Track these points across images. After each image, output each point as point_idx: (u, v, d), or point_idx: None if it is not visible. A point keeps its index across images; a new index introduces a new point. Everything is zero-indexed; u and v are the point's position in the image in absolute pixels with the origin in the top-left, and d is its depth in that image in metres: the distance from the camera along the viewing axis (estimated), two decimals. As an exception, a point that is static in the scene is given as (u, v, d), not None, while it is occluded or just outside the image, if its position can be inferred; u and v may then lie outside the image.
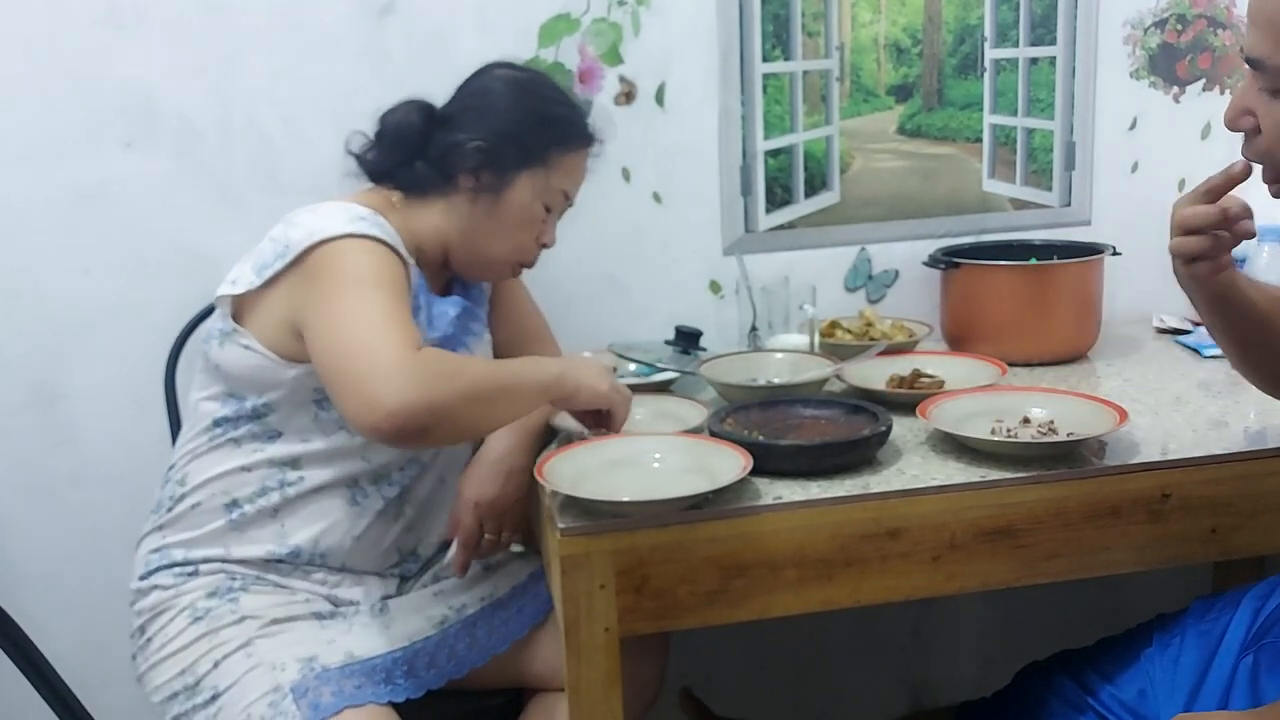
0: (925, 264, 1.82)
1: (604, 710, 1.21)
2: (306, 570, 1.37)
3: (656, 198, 1.84)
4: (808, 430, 1.37)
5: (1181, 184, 1.99)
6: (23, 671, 1.17)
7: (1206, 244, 1.10)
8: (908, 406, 1.44)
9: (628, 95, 1.80)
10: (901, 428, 1.39)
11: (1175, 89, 1.97)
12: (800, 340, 1.73)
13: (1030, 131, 1.95)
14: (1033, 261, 1.76)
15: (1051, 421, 1.36)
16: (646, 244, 1.85)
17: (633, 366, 1.63)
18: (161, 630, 1.32)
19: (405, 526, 1.42)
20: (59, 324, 1.72)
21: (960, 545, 1.24)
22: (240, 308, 1.32)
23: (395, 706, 1.29)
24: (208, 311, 1.62)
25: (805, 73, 1.86)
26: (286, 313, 1.27)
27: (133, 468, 1.72)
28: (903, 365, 1.59)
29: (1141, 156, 1.98)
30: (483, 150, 1.36)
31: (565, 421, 1.44)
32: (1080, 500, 1.26)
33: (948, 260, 1.77)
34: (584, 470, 1.27)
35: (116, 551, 1.51)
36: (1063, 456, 1.29)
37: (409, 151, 1.40)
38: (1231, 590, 1.30)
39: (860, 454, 1.30)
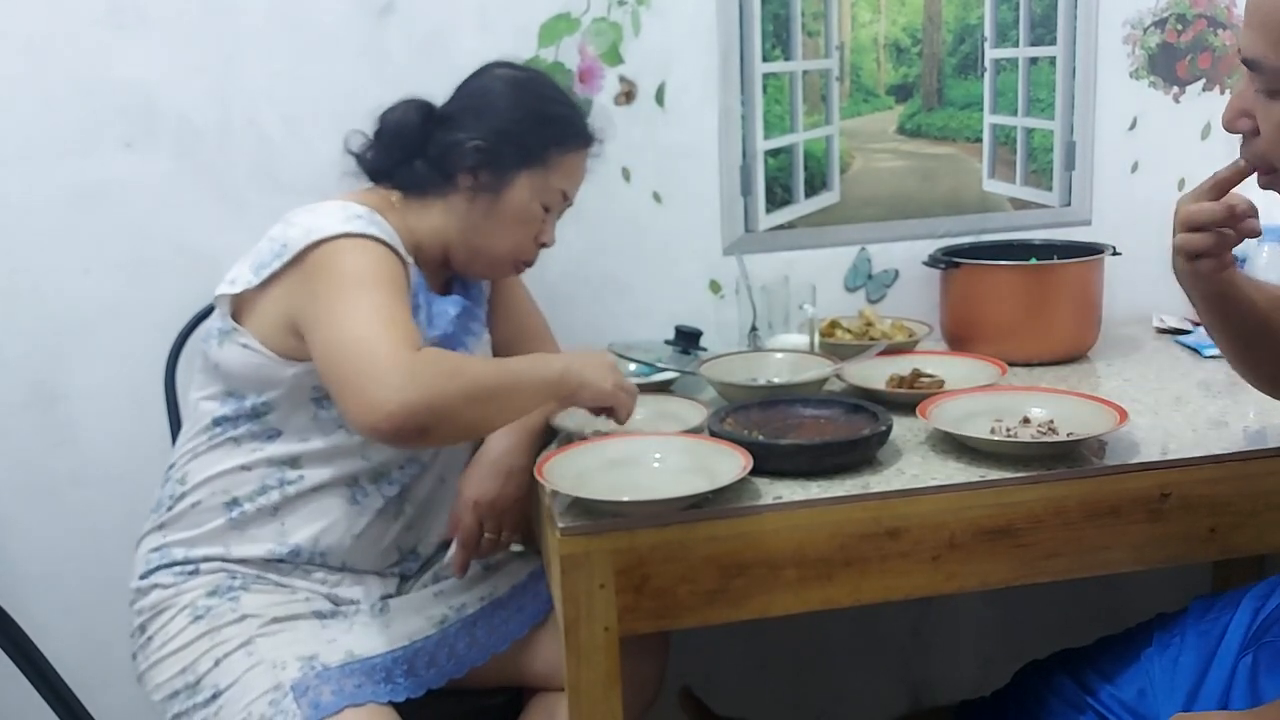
0: (925, 264, 1.82)
1: (604, 709, 1.21)
2: (307, 569, 1.37)
3: (656, 198, 1.84)
4: (808, 430, 1.37)
5: (1181, 184, 1.98)
6: (23, 671, 1.17)
7: (1211, 241, 1.10)
8: (908, 406, 1.44)
9: (628, 95, 1.80)
10: (901, 427, 1.39)
11: (1175, 89, 1.97)
12: (800, 340, 1.73)
13: (1030, 131, 1.95)
14: (1033, 261, 1.76)
15: (1051, 421, 1.36)
16: (646, 244, 1.85)
17: (633, 366, 1.63)
18: (162, 629, 1.32)
19: (405, 525, 1.42)
20: (59, 324, 1.72)
21: (960, 545, 1.24)
22: (239, 307, 1.32)
23: (395, 706, 1.29)
24: (208, 311, 1.62)
25: (805, 72, 1.86)
26: (285, 312, 1.27)
27: (133, 468, 1.72)
28: (903, 365, 1.59)
29: (1141, 156, 1.98)
30: (481, 150, 1.36)
31: (565, 421, 1.44)
32: (1080, 500, 1.26)
33: (948, 260, 1.77)
34: (584, 470, 1.27)
35: (116, 551, 1.51)
36: (1062, 456, 1.29)
37: (408, 151, 1.40)
38: (1231, 590, 1.30)
39: (860, 454, 1.30)
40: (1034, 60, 1.93)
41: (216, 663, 1.28)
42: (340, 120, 1.47)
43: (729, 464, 1.24)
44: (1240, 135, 1.04)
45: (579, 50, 1.77)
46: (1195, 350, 1.76)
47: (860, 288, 1.95)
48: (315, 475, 1.34)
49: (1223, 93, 1.98)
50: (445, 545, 1.47)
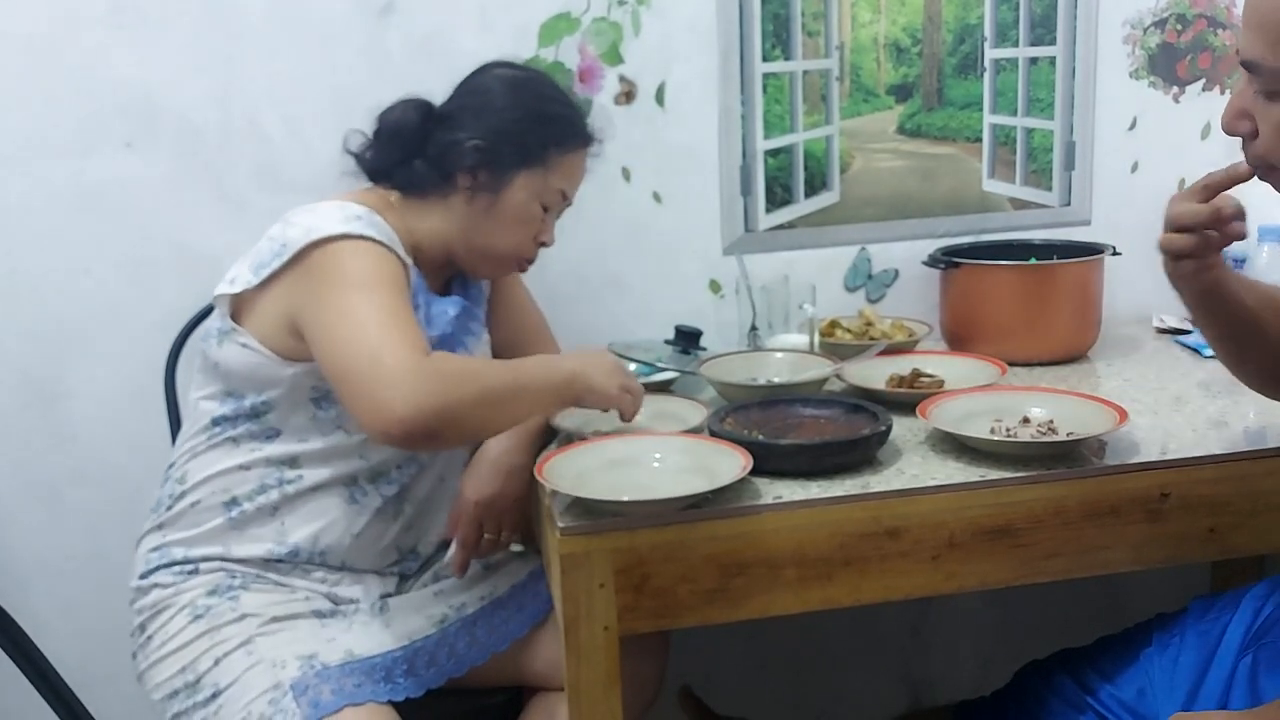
0: (925, 264, 1.82)
1: (604, 709, 1.21)
2: (306, 569, 1.37)
3: (656, 198, 1.84)
4: (808, 430, 1.37)
5: (1181, 184, 1.98)
6: (23, 671, 1.17)
7: (1195, 242, 1.11)
8: (908, 406, 1.43)
9: (628, 95, 1.80)
10: (901, 427, 1.39)
11: (1175, 89, 1.97)
12: (800, 340, 1.73)
13: (1030, 131, 1.95)
14: (1033, 261, 1.76)
15: (1051, 421, 1.36)
16: (646, 244, 1.85)
17: (633, 366, 1.63)
18: (162, 628, 1.32)
19: (404, 525, 1.42)
20: (59, 324, 1.72)
21: (960, 545, 1.24)
22: (238, 307, 1.32)
23: (395, 705, 1.29)
24: (207, 311, 1.61)
25: (805, 72, 1.86)
26: (284, 311, 1.27)
27: (133, 467, 1.73)
28: (903, 365, 1.59)
29: (1141, 156, 1.98)
30: (480, 149, 1.36)
31: (565, 421, 1.44)
32: (1079, 500, 1.26)
33: (947, 260, 1.77)
34: (584, 470, 1.27)
35: (116, 551, 1.51)
36: (1062, 456, 1.29)
37: (407, 150, 1.40)
38: (1231, 590, 1.30)
39: (860, 453, 1.30)
40: (1034, 60, 1.93)
41: (216, 662, 1.28)
42: (340, 120, 1.47)
43: (729, 464, 1.24)
44: (1240, 137, 1.04)
45: (579, 50, 1.77)
46: (1195, 350, 1.76)
47: (860, 288, 1.95)
48: (314, 475, 1.35)
49: (1223, 93, 1.98)
50: (445, 545, 1.47)
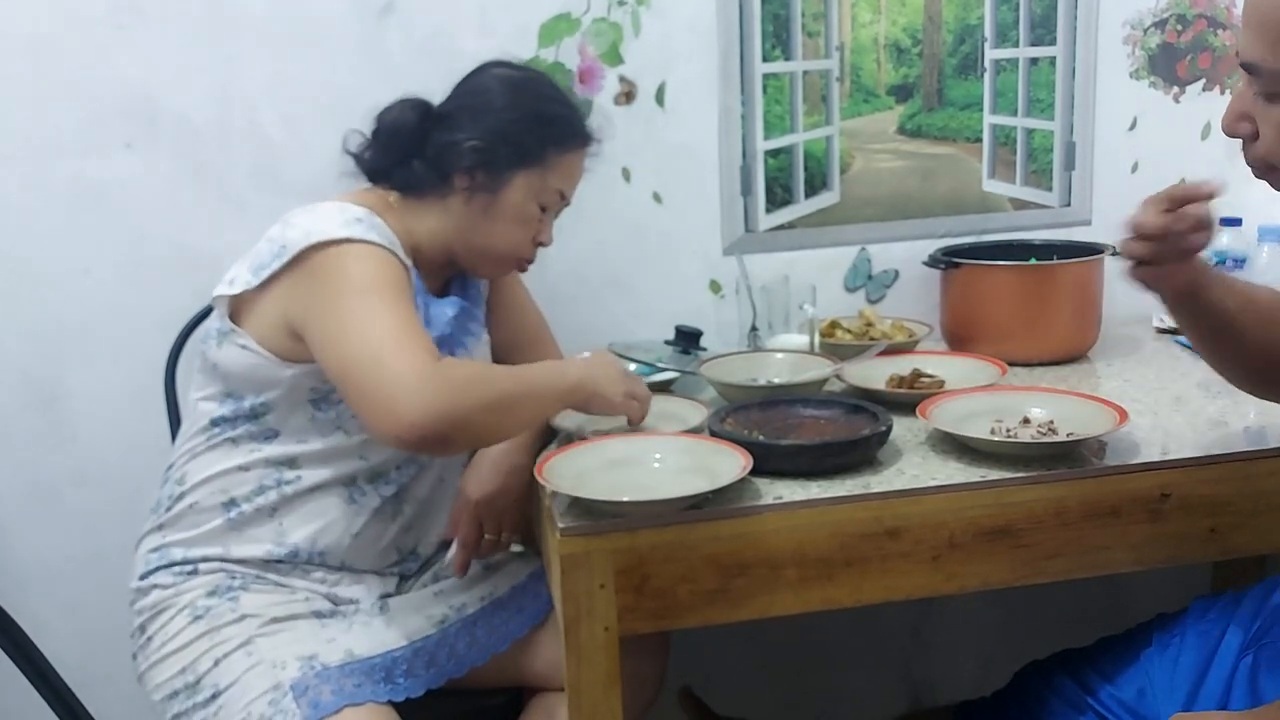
0: (925, 264, 1.82)
1: (604, 710, 1.21)
2: (306, 569, 1.37)
3: (656, 198, 1.84)
4: (808, 430, 1.37)
5: (1181, 184, 1.98)
6: (23, 671, 1.17)
7: (1152, 250, 1.12)
8: (908, 406, 1.43)
9: (628, 95, 1.80)
10: (901, 428, 1.39)
11: (1175, 89, 1.97)
12: (800, 340, 1.73)
13: (1030, 131, 1.95)
14: (1033, 261, 1.76)
15: (1051, 421, 1.36)
16: (646, 244, 1.85)
17: (633, 366, 1.63)
18: (161, 629, 1.32)
19: (404, 525, 1.42)
20: (59, 324, 1.72)
21: (960, 545, 1.24)
22: (237, 308, 1.32)
23: (395, 705, 1.29)
24: (207, 311, 1.61)
25: (805, 73, 1.86)
26: (284, 313, 1.27)
27: (133, 468, 1.72)
28: (903, 365, 1.59)
29: (1141, 156, 1.98)
30: (478, 150, 1.36)
31: (565, 421, 1.44)
32: (1080, 500, 1.26)
33: (948, 260, 1.77)
34: (584, 470, 1.27)
35: (116, 551, 1.51)
36: (1063, 456, 1.29)
37: (405, 150, 1.39)
38: (1231, 590, 1.30)
39: (860, 454, 1.30)
40: (1034, 60, 1.93)
41: (216, 663, 1.27)
42: (340, 120, 1.47)
43: (729, 464, 1.24)
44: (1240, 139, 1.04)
45: (579, 50, 1.77)
46: (1195, 350, 1.75)
47: (860, 288, 1.95)
48: (313, 476, 1.34)
49: (1223, 93, 1.98)
50: (445, 545, 1.47)
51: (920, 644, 2.11)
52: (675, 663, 1.60)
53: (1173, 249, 1.12)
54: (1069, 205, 1.98)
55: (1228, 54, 1.96)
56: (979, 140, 1.94)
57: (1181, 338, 1.83)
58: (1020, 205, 1.97)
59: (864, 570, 1.23)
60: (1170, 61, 1.96)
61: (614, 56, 1.78)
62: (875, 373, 1.57)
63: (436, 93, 1.43)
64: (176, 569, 1.35)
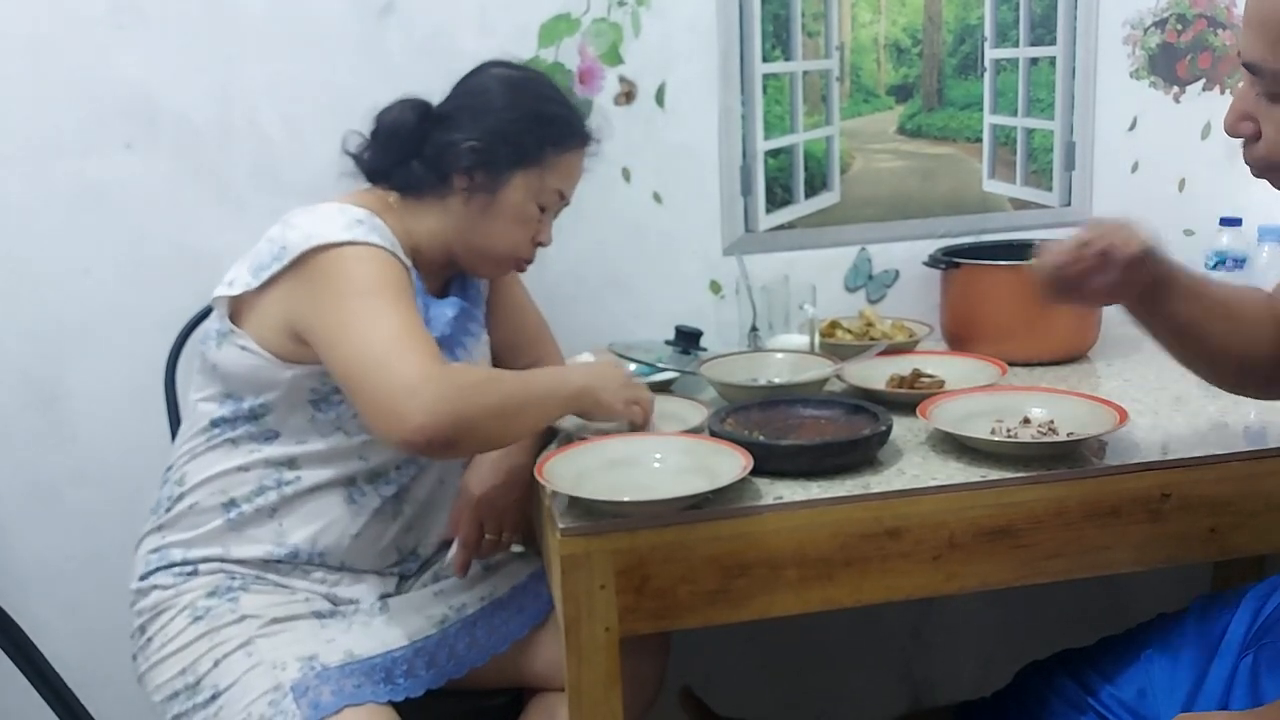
0: (925, 264, 1.82)
1: (604, 710, 1.21)
2: (306, 569, 1.37)
3: (656, 198, 1.84)
4: (808, 430, 1.37)
5: (1181, 184, 1.99)
6: (23, 671, 1.17)
7: (1057, 278, 1.15)
8: (908, 406, 1.43)
9: (628, 95, 1.80)
10: (901, 428, 1.39)
11: (1175, 89, 1.97)
12: (800, 340, 1.73)
13: (1030, 131, 1.95)
14: (1033, 261, 1.76)
15: (1051, 421, 1.36)
16: (646, 244, 1.85)
17: (633, 366, 1.63)
18: (162, 630, 1.32)
19: (404, 526, 1.42)
20: (59, 324, 1.72)
21: (960, 545, 1.24)
22: (237, 309, 1.32)
23: (395, 706, 1.29)
24: (207, 311, 1.61)
25: (805, 73, 1.86)
26: (284, 315, 1.27)
27: (133, 468, 1.72)
28: (903, 365, 1.59)
29: (1141, 156, 1.98)
30: (477, 150, 1.36)
31: (565, 421, 1.44)
32: (1080, 500, 1.26)
33: (948, 260, 1.77)
34: (584, 470, 1.27)
35: (116, 551, 1.51)
36: (1063, 456, 1.29)
37: (404, 151, 1.39)
38: (1231, 590, 1.30)
39: (860, 454, 1.30)
40: (1034, 60, 1.93)
41: (216, 663, 1.27)
42: (340, 120, 1.46)
43: (729, 464, 1.24)
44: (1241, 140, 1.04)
45: (579, 51, 1.77)
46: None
47: (860, 288, 1.95)
48: (312, 476, 1.34)
49: (1223, 93, 1.98)
50: (445, 545, 1.46)
51: (920, 644, 2.11)
52: (675, 663, 1.60)
53: (1074, 284, 1.15)
54: (1069, 205, 1.98)
55: (1228, 54, 1.96)
56: (979, 140, 1.94)
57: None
58: (1020, 205, 1.97)
59: (864, 570, 1.23)
60: (1170, 61, 1.96)
61: (614, 57, 1.78)
62: (875, 373, 1.57)
63: (436, 93, 1.43)
64: (176, 570, 1.35)
